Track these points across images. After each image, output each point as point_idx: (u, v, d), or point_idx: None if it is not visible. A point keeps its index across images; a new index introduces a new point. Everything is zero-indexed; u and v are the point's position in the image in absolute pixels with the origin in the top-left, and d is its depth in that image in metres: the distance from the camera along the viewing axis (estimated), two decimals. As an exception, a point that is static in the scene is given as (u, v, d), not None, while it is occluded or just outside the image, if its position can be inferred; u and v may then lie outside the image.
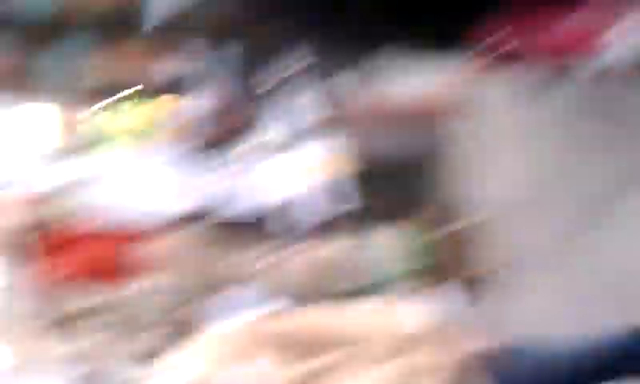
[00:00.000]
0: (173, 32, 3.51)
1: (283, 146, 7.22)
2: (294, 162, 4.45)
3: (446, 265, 3.93)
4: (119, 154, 4.45)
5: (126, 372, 2.75)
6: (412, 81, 3.36)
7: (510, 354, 2.11)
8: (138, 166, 4.34)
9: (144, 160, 4.38)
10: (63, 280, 3.62)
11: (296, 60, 7.16)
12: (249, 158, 4.37)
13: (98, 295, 3.72)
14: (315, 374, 1.94)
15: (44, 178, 4.25)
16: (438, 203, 4.16)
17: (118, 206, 4.11)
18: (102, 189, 4.16)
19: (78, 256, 3.75)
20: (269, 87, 8.06)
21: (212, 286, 4.04)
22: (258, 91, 9.68)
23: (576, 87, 2.52)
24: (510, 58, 2.56)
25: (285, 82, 7.35)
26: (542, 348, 2.17)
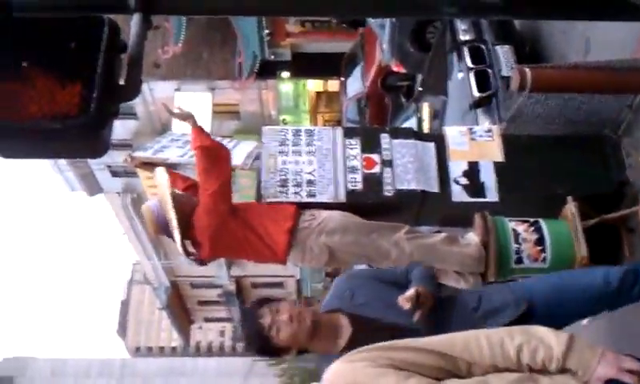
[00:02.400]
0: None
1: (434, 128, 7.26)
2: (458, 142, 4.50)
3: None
4: (294, 129, 4.65)
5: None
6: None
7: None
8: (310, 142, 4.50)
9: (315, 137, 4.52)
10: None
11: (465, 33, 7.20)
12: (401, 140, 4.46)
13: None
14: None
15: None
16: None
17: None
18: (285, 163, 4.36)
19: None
20: (435, 60, 8.16)
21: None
22: (421, 68, 9.75)
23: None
24: None
25: (453, 52, 7.41)
26: None
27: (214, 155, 4.07)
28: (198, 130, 4.11)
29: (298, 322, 2.85)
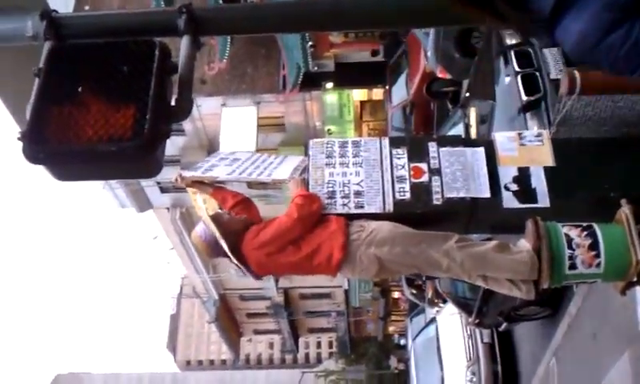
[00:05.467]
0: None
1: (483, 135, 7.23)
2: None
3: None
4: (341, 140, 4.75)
5: None
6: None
7: None
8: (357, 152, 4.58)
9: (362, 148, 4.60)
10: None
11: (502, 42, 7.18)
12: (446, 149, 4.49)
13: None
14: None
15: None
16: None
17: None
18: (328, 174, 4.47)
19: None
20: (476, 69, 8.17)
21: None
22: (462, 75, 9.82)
23: None
24: None
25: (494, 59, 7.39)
26: None
27: (310, 198, 4.31)
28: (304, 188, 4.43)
29: None
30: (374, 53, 18.69)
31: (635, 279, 4.10)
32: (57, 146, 2.44)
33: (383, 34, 18.94)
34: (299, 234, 4.17)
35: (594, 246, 4.01)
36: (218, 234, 4.12)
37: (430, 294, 13.57)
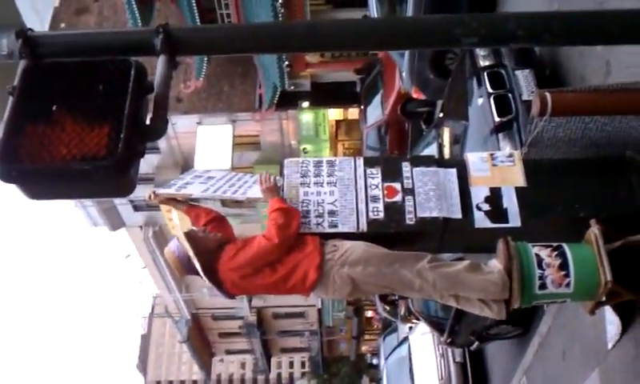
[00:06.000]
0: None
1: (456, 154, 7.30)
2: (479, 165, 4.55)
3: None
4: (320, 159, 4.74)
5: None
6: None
7: None
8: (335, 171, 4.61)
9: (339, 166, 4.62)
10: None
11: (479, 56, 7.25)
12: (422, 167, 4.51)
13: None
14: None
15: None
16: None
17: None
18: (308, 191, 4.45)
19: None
20: (452, 88, 8.25)
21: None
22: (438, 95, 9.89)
23: None
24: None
25: (469, 79, 7.45)
26: None
27: (289, 216, 4.24)
28: (281, 199, 4.37)
29: None
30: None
31: (604, 299, 4.16)
32: (30, 165, 2.43)
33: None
34: (277, 257, 4.17)
35: (563, 266, 4.07)
36: (191, 252, 4.10)
37: (402, 310, 13.60)
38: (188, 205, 4.63)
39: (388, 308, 14.88)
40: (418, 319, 11.83)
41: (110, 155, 2.38)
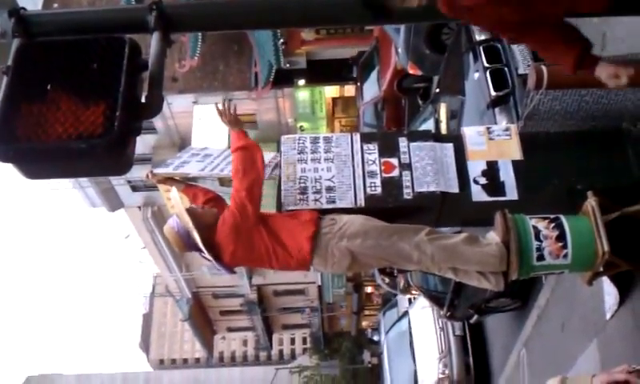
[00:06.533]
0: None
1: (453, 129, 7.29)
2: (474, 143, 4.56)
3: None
4: (315, 136, 4.74)
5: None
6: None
7: None
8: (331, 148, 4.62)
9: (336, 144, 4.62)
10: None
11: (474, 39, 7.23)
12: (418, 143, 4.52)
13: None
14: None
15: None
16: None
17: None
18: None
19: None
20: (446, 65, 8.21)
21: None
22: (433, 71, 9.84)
23: None
24: None
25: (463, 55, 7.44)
26: None
27: (250, 157, 4.19)
28: (242, 133, 4.28)
29: None
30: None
31: (601, 269, 4.19)
32: (26, 144, 2.43)
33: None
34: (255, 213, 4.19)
35: (561, 237, 4.09)
36: (190, 226, 4.10)
37: (402, 283, 13.65)
38: (186, 184, 4.64)
39: (388, 280, 14.91)
40: (417, 291, 11.89)
41: (106, 133, 2.37)
